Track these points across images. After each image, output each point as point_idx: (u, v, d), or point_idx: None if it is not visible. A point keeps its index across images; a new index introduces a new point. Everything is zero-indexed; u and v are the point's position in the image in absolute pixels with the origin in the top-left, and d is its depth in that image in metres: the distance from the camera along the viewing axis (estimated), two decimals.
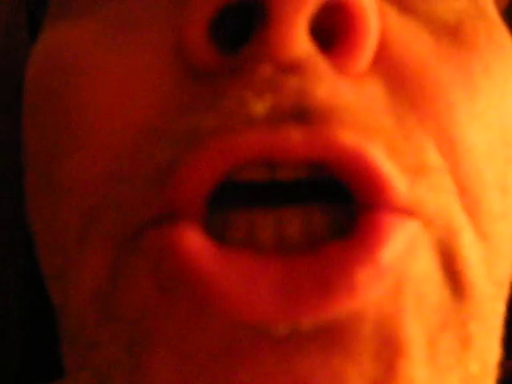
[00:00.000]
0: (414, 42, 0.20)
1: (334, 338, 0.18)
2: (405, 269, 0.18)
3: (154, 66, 0.20)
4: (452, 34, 0.21)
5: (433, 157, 0.19)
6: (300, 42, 0.18)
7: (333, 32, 0.19)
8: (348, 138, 0.18)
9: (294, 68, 0.18)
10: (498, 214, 0.21)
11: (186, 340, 0.18)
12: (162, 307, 0.18)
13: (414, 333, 0.18)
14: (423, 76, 0.20)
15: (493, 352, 0.21)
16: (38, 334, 0.30)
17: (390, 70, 0.20)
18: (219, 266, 0.17)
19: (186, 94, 0.19)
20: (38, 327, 0.30)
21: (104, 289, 0.19)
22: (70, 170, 0.20)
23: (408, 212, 0.18)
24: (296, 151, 0.17)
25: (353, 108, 0.18)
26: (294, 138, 0.17)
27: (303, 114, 0.18)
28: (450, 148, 0.20)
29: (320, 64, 0.18)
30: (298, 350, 0.18)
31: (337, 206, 0.18)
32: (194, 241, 0.18)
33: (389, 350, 0.18)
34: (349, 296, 0.17)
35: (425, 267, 0.19)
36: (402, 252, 0.18)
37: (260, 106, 0.18)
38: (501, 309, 0.22)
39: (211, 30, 0.19)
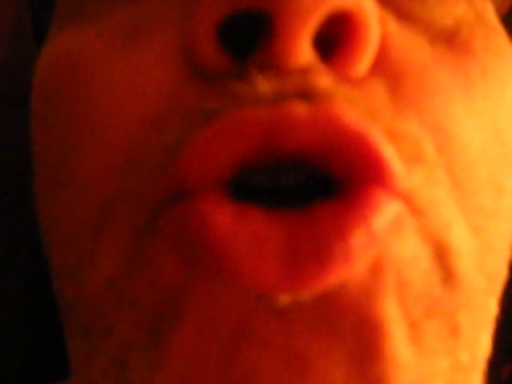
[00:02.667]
0: (413, 47, 0.21)
1: (323, 313, 0.18)
2: (390, 244, 0.18)
3: (161, 65, 0.20)
4: (449, 39, 0.22)
5: (429, 149, 0.20)
6: (303, 52, 0.18)
7: (334, 39, 0.19)
8: (351, 117, 0.18)
9: (298, 70, 0.18)
10: (491, 211, 0.21)
11: (208, 314, 0.18)
12: (187, 281, 0.19)
13: (393, 313, 0.19)
14: (421, 78, 0.20)
15: (482, 345, 0.22)
16: (39, 334, 0.31)
17: (390, 73, 0.20)
18: (232, 232, 0.18)
19: (194, 87, 0.20)
20: (38, 328, 0.30)
21: (121, 274, 0.20)
22: (83, 166, 0.21)
23: (400, 196, 0.19)
24: (301, 126, 0.18)
25: (354, 97, 0.19)
26: (300, 112, 0.18)
27: (307, 94, 0.18)
28: (445, 142, 0.20)
29: (321, 69, 0.19)
30: (297, 325, 0.18)
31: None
32: (211, 205, 0.18)
33: (368, 328, 0.18)
34: (343, 263, 0.17)
35: (411, 251, 0.19)
36: (391, 225, 0.18)
37: (266, 85, 0.18)
38: (492, 305, 0.22)
39: (219, 35, 0.19)
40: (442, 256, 0.19)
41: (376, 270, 0.18)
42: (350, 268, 0.18)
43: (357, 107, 0.19)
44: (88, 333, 0.21)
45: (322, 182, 0.19)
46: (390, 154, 0.18)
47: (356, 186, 0.18)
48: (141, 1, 0.22)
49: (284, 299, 0.18)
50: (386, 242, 0.18)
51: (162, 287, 0.19)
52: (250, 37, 0.19)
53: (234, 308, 0.18)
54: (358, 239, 0.18)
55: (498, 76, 0.22)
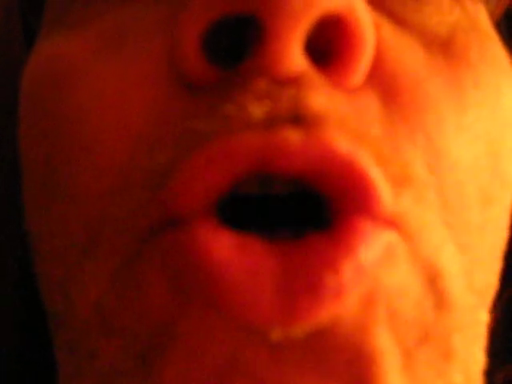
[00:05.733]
0: (407, 54, 0.21)
1: (315, 348, 0.18)
2: (381, 277, 0.18)
3: (148, 76, 0.20)
4: (444, 46, 0.21)
5: (419, 170, 0.19)
6: (295, 57, 0.18)
7: (328, 46, 0.19)
8: (342, 143, 0.18)
9: (290, 81, 0.18)
10: (477, 226, 0.21)
11: (199, 347, 0.18)
12: (177, 311, 0.18)
13: (386, 344, 0.18)
14: (414, 89, 0.20)
15: (477, 362, 0.22)
16: (32, 340, 0.30)
17: (384, 82, 0.20)
18: (230, 261, 0.18)
19: (182, 102, 0.19)
20: (32, 332, 0.30)
21: (109, 299, 0.19)
22: (72, 183, 0.20)
23: (389, 223, 0.18)
24: (293, 152, 0.18)
25: (345, 117, 0.19)
26: (292, 139, 0.18)
27: (299, 118, 0.18)
28: (435, 161, 0.20)
29: (315, 78, 0.18)
30: (289, 361, 0.18)
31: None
32: (208, 234, 0.18)
33: (362, 363, 0.18)
34: (335, 297, 0.17)
35: (402, 280, 0.19)
36: (380, 257, 0.18)
37: (258, 110, 0.18)
38: (483, 317, 0.22)
39: (205, 44, 0.19)
40: (433, 281, 0.19)
41: (367, 303, 0.18)
42: (341, 302, 0.18)
43: (348, 129, 0.18)
44: (75, 349, 0.21)
45: (313, 208, 0.19)
46: (377, 179, 0.18)
47: (345, 215, 0.18)
48: (129, 5, 0.22)
49: (276, 334, 0.18)
50: (376, 274, 0.18)
51: (151, 316, 0.19)
52: (237, 45, 0.19)
53: (226, 341, 0.18)
54: (347, 273, 0.17)
55: (492, 84, 0.22)
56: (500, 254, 0.23)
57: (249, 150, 0.18)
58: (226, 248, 0.18)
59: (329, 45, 0.19)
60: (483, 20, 0.24)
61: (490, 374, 0.23)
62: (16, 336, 0.30)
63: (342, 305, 0.18)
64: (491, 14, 0.24)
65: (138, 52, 0.20)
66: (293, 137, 0.18)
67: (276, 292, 0.17)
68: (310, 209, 0.19)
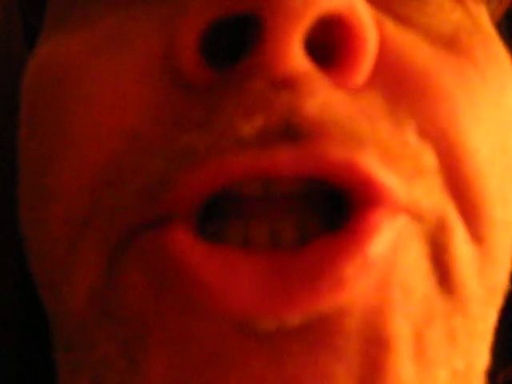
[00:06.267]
0: (412, 50, 0.21)
1: (320, 334, 0.18)
2: (393, 262, 0.18)
3: (145, 76, 0.20)
4: (449, 44, 0.21)
5: (429, 161, 0.19)
6: (295, 56, 0.18)
7: (330, 47, 0.19)
8: (338, 152, 0.18)
9: (288, 83, 0.18)
10: (499, 222, 0.21)
11: (180, 339, 0.18)
12: (156, 306, 0.18)
13: (401, 327, 0.18)
14: (424, 81, 0.20)
15: (479, 356, 0.22)
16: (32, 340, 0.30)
17: (389, 78, 0.20)
18: (207, 260, 0.18)
19: (177, 105, 0.19)
20: (32, 332, 0.30)
21: (100, 290, 0.20)
22: (60, 178, 0.21)
23: (402, 209, 0.18)
24: (286, 171, 0.18)
25: (345, 119, 0.18)
26: (284, 158, 0.17)
27: (293, 132, 0.18)
28: (448, 151, 0.20)
29: (315, 79, 0.18)
30: (285, 349, 0.18)
31: (332, 204, 0.19)
32: (184, 239, 0.18)
33: (375, 346, 0.18)
34: (336, 289, 0.17)
35: (413, 259, 0.19)
36: (391, 246, 0.18)
37: (248, 128, 0.18)
38: (492, 316, 0.22)
39: (203, 44, 0.19)
40: (439, 258, 0.19)
41: (381, 287, 0.18)
42: (343, 293, 0.17)
43: (347, 133, 0.18)
44: (70, 346, 0.21)
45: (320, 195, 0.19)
46: (384, 177, 0.18)
47: (355, 210, 0.18)
48: (129, 7, 0.22)
49: (267, 325, 0.17)
50: (387, 262, 0.18)
51: (133, 309, 0.19)
52: (237, 47, 0.19)
53: (209, 336, 0.18)
54: (352, 267, 0.17)
55: (497, 83, 0.22)
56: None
57: (240, 169, 0.18)
58: (201, 253, 0.18)
59: (330, 46, 0.19)
60: (485, 21, 0.24)
61: (492, 375, 0.23)
62: (16, 336, 0.30)
63: (346, 294, 0.17)
64: (492, 15, 0.24)
65: (136, 52, 0.20)
66: (285, 155, 0.17)
67: (260, 284, 0.17)
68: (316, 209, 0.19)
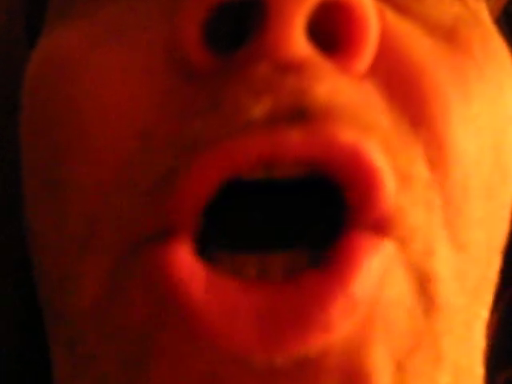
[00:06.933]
0: (412, 41, 0.21)
1: (305, 374, 0.18)
2: (377, 299, 0.18)
3: (148, 66, 0.20)
4: (448, 37, 0.21)
5: (421, 168, 0.19)
6: (298, 41, 0.18)
7: (334, 33, 0.19)
8: (346, 135, 0.18)
9: (293, 67, 0.18)
10: (478, 221, 0.21)
11: (178, 365, 0.18)
12: (155, 328, 0.18)
13: (382, 361, 0.18)
14: (420, 78, 0.20)
15: (473, 363, 0.21)
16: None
17: (389, 69, 0.20)
18: (206, 294, 0.18)
19: (182, 96, 0.19)
20: (32, 332, 0.30)
21: (103, 303, 0.20)
22: (71, 176, 0.20)
23: (388, 225, 0.18)
24: (295, 152, 0.17)
25: (352, 106, 0.18)
26: (293, 139, 0.17)
27: (301, 113, 0.18)
28: (439, 156, 0.20)
29: (320, 65, 0.18)
30: None
31: (318, 232, 0.19)
32: (184, 260, 0.18)
33: (356, 381, 0.18)
34: (323, 332, 0.17)
35: (398, 292, 0.19)
36: (375, 282, 0.18)
37: (258, 110, 0.18)
38: (481, 316, 0.22)
39: (205, 31, 0.19)
40: (424, 286, 0.19)
41: (364, 325, 0.18)
42: (330, 335, 0.17)
43: (354, 117, 0.18)
44: (74, 348, 0.21)
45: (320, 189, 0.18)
46: (383, 169, 0.18)
47: (345, 232, 0.18)
48: None
49: (261, 363, 0.17)
50: (372, 301, 0.18)
51: (133, 327, 0.19)
52: (240, 33, 0.18)
53: (207, 365, 0.18)
54: (338, 309, 0.17)
55: (495, 79, 0.22)
56: (500, 249, 0.22)
57: (248, 153, 0.18)
58: (201, 286, 0.18)
59: (333, 31, 0.19)
60: (485, 16, 0.24)
61: (492, 376, 0.23)
62: (16, 336, 0.30)
63: (332, 335, 0.17)
64: (491, 11, 0.24)
65: (139, 42, 0.20)
66: (294, 137, 0.17)
67: (255, 320, 0.17)
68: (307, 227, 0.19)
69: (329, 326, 0.17)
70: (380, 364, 0.18)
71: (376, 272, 0.18)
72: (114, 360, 0.19)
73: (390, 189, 0.18)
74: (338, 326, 0.17)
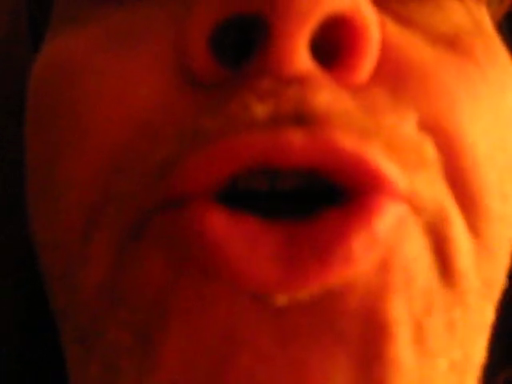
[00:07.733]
0: (414, 49, 0.21)
1: (325, 314, 0.18)
2: (397, 243, 0.18)
3: (155, 70, 0.20)
4: (450, 45, 0.22)
5: (430, 154, 0.20)
6: (301, 57, 0.18)
7: (334, 45, 0.19)
8: (347, 140, 0.18)
9: (295, 80, 0.18)
10: (497, 216, 0.21)
11: (197, 318, 0.18)
12: (174, 284, 0.19)
13: (401, 314, 0.18)
14: (424, 77, 0.20)
15: (477, 348, 0.21)
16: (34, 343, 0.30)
17: (391, 75, 0.20)
18: (229, 232, 0.18)
19: (187, 97, 0.19)
20: (32, 332, 0.30)
21: (111, 277, 0.20)
22: (71, 168, 0.21)
23: (403, 198, 0.19)
24: (296, 152, 0.18)
25: (352, 112, 0.19)
26: (295, 139, 0.18)
27: (302, 117, 0.18)
28: (447, 143, 0.20)
29: (320, 77, 0.19)
30: (294, 328, 0.18)
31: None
32: (206, 209, 0.18)
33: (374, 330, 0.18)
34: (344, 264, 0.17)
35: (415, 247, 0.19)
36: (394, 226, 0.18)
37: (261, 110, 0.18)
38: (489, 311, 0.22)
39: (213, 44, 0.19)
40: (440, 249, 0.19)
41: (384, 268, 0.18)
42: (352, 269, 0.18)
43: (354, 124, 0.18)
44: (84, 337, 0.21)
45: (323, 192, 0.19)
46: (388, 168, 0.18)
47: (357, 194, 0.18)
48: (136, 4, 0.22)
49: (281, 299, 0.18)
50: (391, 242, 0.18)
51: (150, 292, 0.19)
52: (246, 44, 0.19)
53: (226, 311, 0.18)
54: (360, 241, 0.18)
55: (498, 83, 0.22)
56: (510, 253, 0.22)
57: (252, 149, 0.18)
58: (223, 223, 0.18)
59: (334, 44, 0.19)
60: (486, 22, 0.24)
61: (492, 376, 0.23)
62: (16, 336, 0.30)
63: (353, 270, 0.18)
64: (492, 16, 0.24)
65: (146, 48, 0.21)
66: (296, 136, 0.18)
67: (276, 257, 0.17)
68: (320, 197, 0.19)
69: (350, 258, 0.17)
70: (400, 317, 0.18)
71: (394, 218, 0.18)
72: (125, 333, 0.19)
73: (399, 183, 0.19)
74: (360, 259, 0.18)
